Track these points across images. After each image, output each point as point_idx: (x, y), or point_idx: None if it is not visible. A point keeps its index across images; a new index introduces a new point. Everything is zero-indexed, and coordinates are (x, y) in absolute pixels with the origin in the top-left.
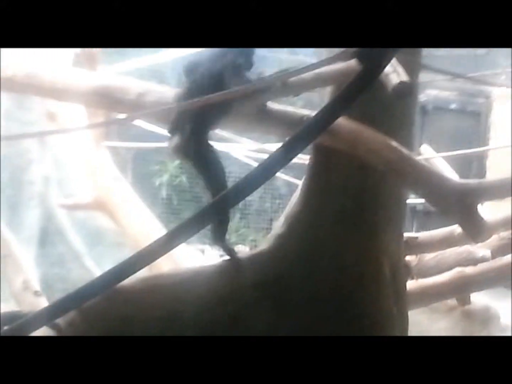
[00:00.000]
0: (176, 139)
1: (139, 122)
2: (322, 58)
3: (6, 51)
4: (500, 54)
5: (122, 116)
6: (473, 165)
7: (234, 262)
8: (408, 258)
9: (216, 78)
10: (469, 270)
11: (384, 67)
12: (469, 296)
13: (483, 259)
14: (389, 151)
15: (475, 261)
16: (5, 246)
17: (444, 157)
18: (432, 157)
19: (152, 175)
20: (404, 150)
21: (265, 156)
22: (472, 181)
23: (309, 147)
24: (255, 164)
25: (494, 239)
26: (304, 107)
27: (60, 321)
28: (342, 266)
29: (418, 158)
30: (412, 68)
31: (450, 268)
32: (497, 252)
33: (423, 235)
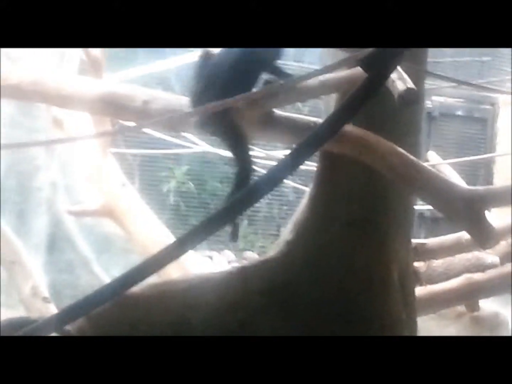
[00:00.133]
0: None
1: (146, 129)
2: (326, 65)
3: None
4: (506, 61)
5: (130, 124)
6: (480, 171)
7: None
8: (416, 264)
9: (242, 68)
10: (478, 276)
11: (390, 74)
12: (478, 303)
13: (491, 265)
14: (396, 158)
15: (483, 268)
16: (14, 252)
17: (451, 164)
18: (439, 163)
19: (159, 181)
20: (411, 157)
21: (272, 163)
22: (479, 188)
23: (317, 154)
24: (262, 171)
25: (503, 245)
26: (310, 114)
27: (69, 327)
28: (350, 272)
29: (425, 164)
30: (418, 75)
31: (458, 274)
32: (506, 258)
33: (431, 241)
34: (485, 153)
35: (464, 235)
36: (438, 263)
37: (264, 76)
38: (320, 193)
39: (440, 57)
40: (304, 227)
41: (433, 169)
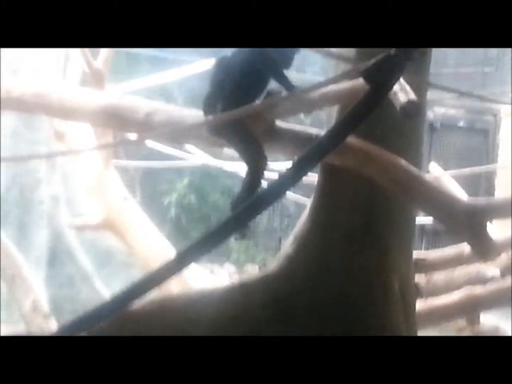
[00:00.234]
0: (209, 118)
1: (148, 142)
2: (329, 76)
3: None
4: (507, 72)
5: (132, 136)
6: (481, 182)
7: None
8: (417, 277)
9: (251, 73)
10: (478, 289)
11: (393, 86)
12: (478, 316)
13: (492, 278)
14: (398, 170)
15: (484, 280)
16: (14, 266)
17: (452, 175)
18: (441, 175)
19: (160, 194)
20: (413, 169)
21: (273, 174)
22: (480, 200)
23: (317, 166)
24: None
25: (503, 257)
26: (312, 125)
27: None
28: (351, 285)
29: (427, 176)
30: (420, 87)
31: (459, 287)
32: (506, 271)
33: (432, 254)
34: (487, 164)
35: (465, 247)
36: (439, 276)
37: (269, 86)
38: (321, 205)
39: (442, 68)
40: (305, 239)
41: (434, 181)
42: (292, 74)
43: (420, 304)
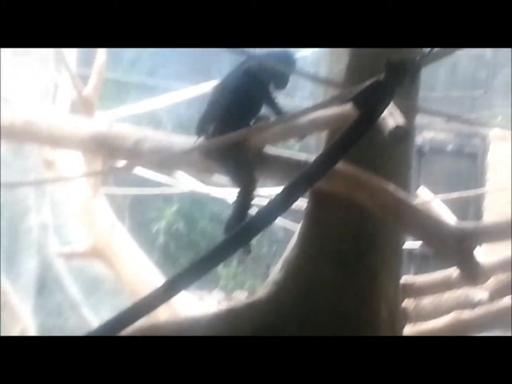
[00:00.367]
0: (200, 140)
1: (136, 169)
2: (317, 101)
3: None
4: (496, 95)
5: (120, 164)
6: (470, 206)
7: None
8: (405, 302)
9: (244, 96)
10: (467, 313)
11: (382, 112)
12: None
13: (480, 302)
14: (387, 195)
15: (472, 304)
16: (3, 294)
17: (441, 199)
18: (430, 199)
19: (149, 221)
20: (401, 194)
21: (262, 200)
22: (469, 224)
23: (307, 192)
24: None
25: (492, 281)
26: (300, 151)
27: None
28: (340, 311)
29: (415, 201)
30: (409, 111)
31: (448, 311)
32: (495, 294)
33: (420, 278)
34: (475, 188)
35: (453, 272)
36: (427, 300)
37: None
38: (310, 231)
39: (430, 92)
40: (293, 266)
41: (423, 206)
42: (281, 99)
43: (409, 329)
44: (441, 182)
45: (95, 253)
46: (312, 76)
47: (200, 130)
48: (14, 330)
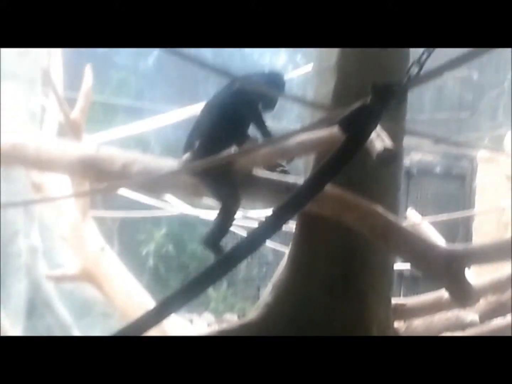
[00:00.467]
0: (186, 156)
1: (125, 192)
2: (304, 124)
3: None
4: (483, 117)
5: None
6: (459, 228)
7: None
8: (396, 323)
9: (232, 114)
10: (458, 335)
11: (368, 136)
12: None
13: (471, 324)
14: (375, 217)
15: (463, 326)
16: None
17: (430, 221)
18: (418, 221)
19: (138, 244)
20: (390, 216)
21: (251, 222)
22: (458, 246)
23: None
24: (240, 231)
25: (482, 303)
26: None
27: None
28: (330, 333)
29: (404, 223)
30: (396, 133)
31: (438, 333)
32: (485, 316)
33: (411, 300)
34: (464, 209)
35: (443, 293)
36: (418, 323)
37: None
38: (299, 254)
39: (418, 114)
40: (283, 288)
41: (412, 228)
42: (268, 121)
43: None
44: (429, 204)
45: (85, 276)
46: (299, 99)
47: (187, 146)
48: None
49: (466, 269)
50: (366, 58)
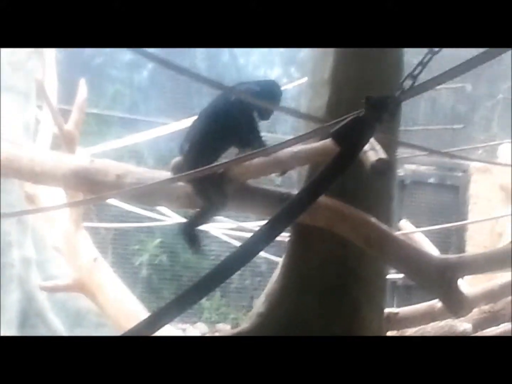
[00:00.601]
0: (175, 160)
1: (118, 203)
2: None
3: None
4: (476, 129)
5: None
6: (452, 238)
7: None
8: (389, 333)
9: (223, 120)
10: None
11: (362, 148)
12: None
13: (464, 333)
14: (369, 228)
15: (456, 336)
16: None
17: (423, 231)
18: (412, 232)
19: (132, 255)
20: (383, 226)
21: (244, 234)
22: (451, 256)
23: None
24: (234, 242)
25: (475, 312)
26: (282, 184)
27: None
28: None
29: (398, 233)
30: (390, 145)
31: None
32: (479, 326)
33: (404, 310)
34: (457, 220)
35: (436, 303)
36: (411, 332)
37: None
38: (293, 264)
39: (412, 126)
40: (276, 298)
41: (405, 239)
42: (262, 133)
43: None
44: (423, 215)
45: (78, 286)
46: (293, 111)
47: (179, 150)
48: None
49: (459, 279)
50: (360, 71)
